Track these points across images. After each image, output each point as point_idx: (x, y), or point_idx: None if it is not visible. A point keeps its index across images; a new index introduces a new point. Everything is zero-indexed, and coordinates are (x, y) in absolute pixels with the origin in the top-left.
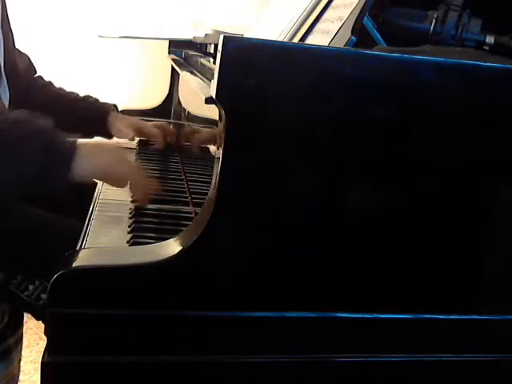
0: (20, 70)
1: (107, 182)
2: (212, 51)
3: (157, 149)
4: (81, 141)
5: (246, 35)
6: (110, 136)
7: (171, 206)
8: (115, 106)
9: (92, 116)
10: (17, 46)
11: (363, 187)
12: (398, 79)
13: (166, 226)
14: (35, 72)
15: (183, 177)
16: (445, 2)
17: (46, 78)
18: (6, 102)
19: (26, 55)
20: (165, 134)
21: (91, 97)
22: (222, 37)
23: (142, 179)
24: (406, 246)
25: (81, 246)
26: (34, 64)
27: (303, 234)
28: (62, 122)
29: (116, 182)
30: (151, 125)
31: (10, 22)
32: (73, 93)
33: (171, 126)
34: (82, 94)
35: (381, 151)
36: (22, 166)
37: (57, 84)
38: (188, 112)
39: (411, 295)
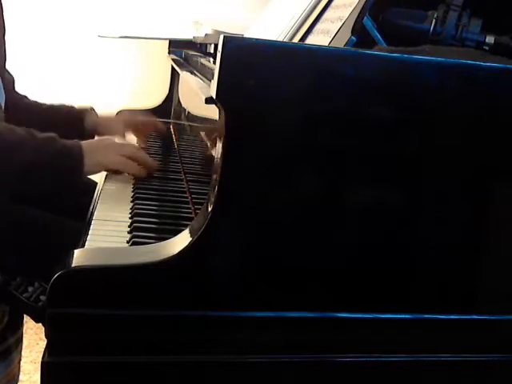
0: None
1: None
2: (212, 51)
3: (156, 148)
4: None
5: (246, 35)
6: (91, 136)
7: (171, 206)
8: (92, 108)
9: (69, 120)
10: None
11: (363, 187)
12: (398, 79)
13: (166, 226)
14: (14, 88)
15: (183, 177)
16: (445, 2)
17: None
18: (2, 105)
19: (11, 73)
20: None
21: (65, 104)
22: (221, 37)
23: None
24: (406, 246)
25: (81, 245)
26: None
27: (303, 233)
28: (43, 129)
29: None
30: (140, 118)
31: (7, 27)
32: (46, 103)
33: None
34: (55, 103)
35: (381, 151)
36: (36, 174)
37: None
38: (188, 112)
39: (411, 295)
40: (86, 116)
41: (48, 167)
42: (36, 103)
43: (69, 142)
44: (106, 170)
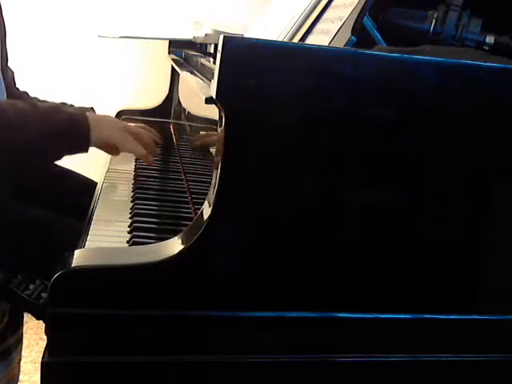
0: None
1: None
2: (212, 51)
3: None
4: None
5: (246, 35)
6: None
7: (171, 206)
8: (92, 108)
9: None
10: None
11: (363, 187)
12: (397, 79)
13: (166, 226)
14: (15, 84)
15: (183, 177)
16: (445, 2)
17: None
18: None
19: (11, 69)
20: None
21: (66, 103)
22: (221, 37)
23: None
24: (406, 246)
25: (81, 245)
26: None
27: (303, 234)
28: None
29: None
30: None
31: (7, 27)
32: (47, 101)
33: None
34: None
35: (381, 151)
36: (43, 146)
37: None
38: (188, 112)
39: (411, 295)
40: None
41: (54, 138)
42: (37, 100)
43: (75, 112)
44: (106, 148)
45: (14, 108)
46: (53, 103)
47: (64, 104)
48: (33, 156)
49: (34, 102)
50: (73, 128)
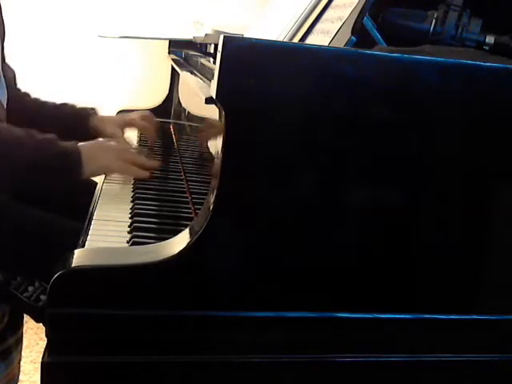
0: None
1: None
2: (212, 51)
3: (156, 148)
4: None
5: (246, 35)
6: (94, 137)
7: (171, 206)
8: (94, 108)
9: (74, 121)
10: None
11: (363, 187)
12: (398, 79)
13: (166, 226)
14: (16, 85)
15: (183, 177)
16: (445, 2)
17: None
18: (4, 103)
19: (12, 68)
20: (152, 125)
21: (68, 103)
22: (221, 37)
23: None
24: (406, 246)
25: (81, 245)
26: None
27: (303, 234)
28: (45, 130)
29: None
30: (138, 117)
31: (7, 27)
32: (49, 102)
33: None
34: (58, 102)
35: (381, 151)
36: (34, 175)
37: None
38: (188, 112)
39: (411, 295)
40: (91, 116)
41: (46, 169)
42: (39, 101)
43: (68, 147)
44: (104, 174)
45: (10, 133)
46: (51, 135)
47: (67, 104)
48: (18, 184)
49: (31, 132)
50: (64, 163)
